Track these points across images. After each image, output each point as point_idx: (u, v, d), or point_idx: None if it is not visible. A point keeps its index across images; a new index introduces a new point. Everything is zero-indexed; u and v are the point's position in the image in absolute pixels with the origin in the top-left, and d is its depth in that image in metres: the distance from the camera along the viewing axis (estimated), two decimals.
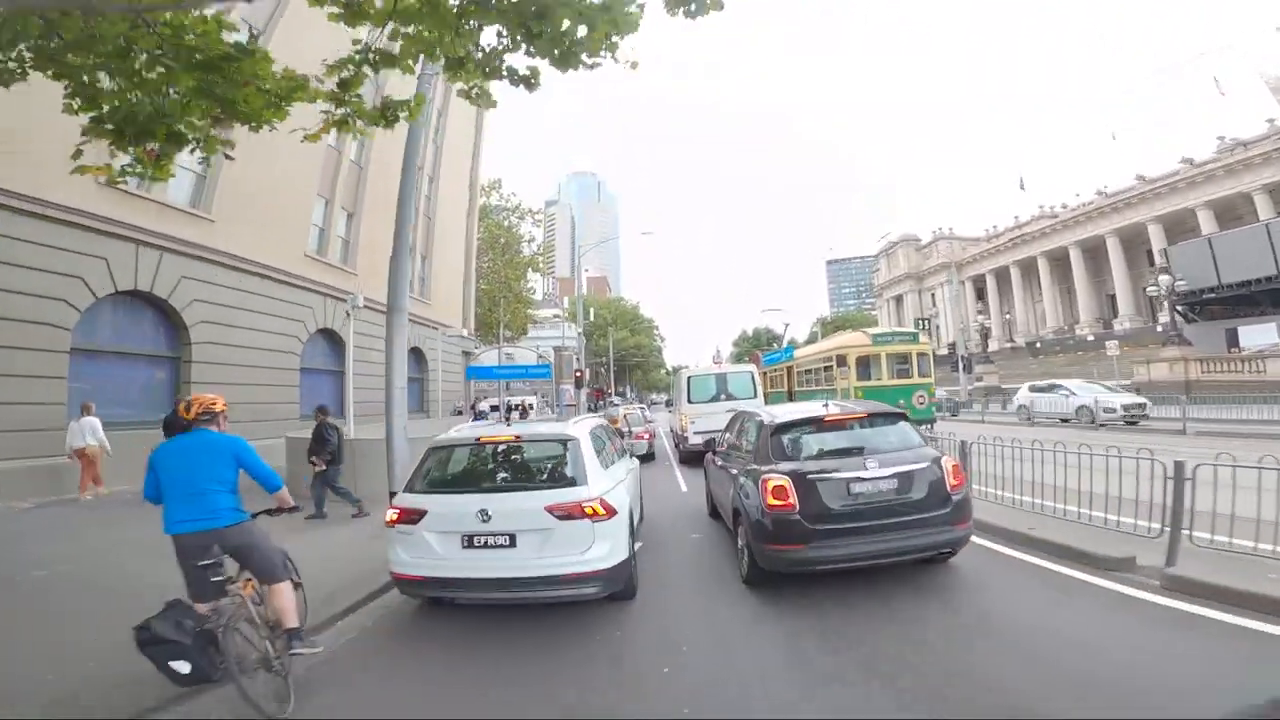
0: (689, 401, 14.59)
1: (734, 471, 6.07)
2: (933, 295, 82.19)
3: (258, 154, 16.95)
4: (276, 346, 16.77)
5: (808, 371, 19.33)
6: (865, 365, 15.96)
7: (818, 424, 5.47)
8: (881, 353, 15.79)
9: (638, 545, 6.90)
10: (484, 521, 4.57)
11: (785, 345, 25.98)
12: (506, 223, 39.46)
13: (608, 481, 5.08)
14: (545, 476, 5.14)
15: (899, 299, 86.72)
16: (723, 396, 14.48)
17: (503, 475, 5.26)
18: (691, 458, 14.72)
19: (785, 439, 5.41)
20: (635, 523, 6.44)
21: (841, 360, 16.16)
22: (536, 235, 40.22)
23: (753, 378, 14.79)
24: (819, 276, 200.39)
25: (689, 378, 15.03)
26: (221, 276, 15.12)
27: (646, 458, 16.52)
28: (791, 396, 21.02)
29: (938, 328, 72.17)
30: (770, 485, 4.93)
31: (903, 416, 5.57)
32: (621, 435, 12.99)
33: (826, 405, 5.77)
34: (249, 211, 16.23)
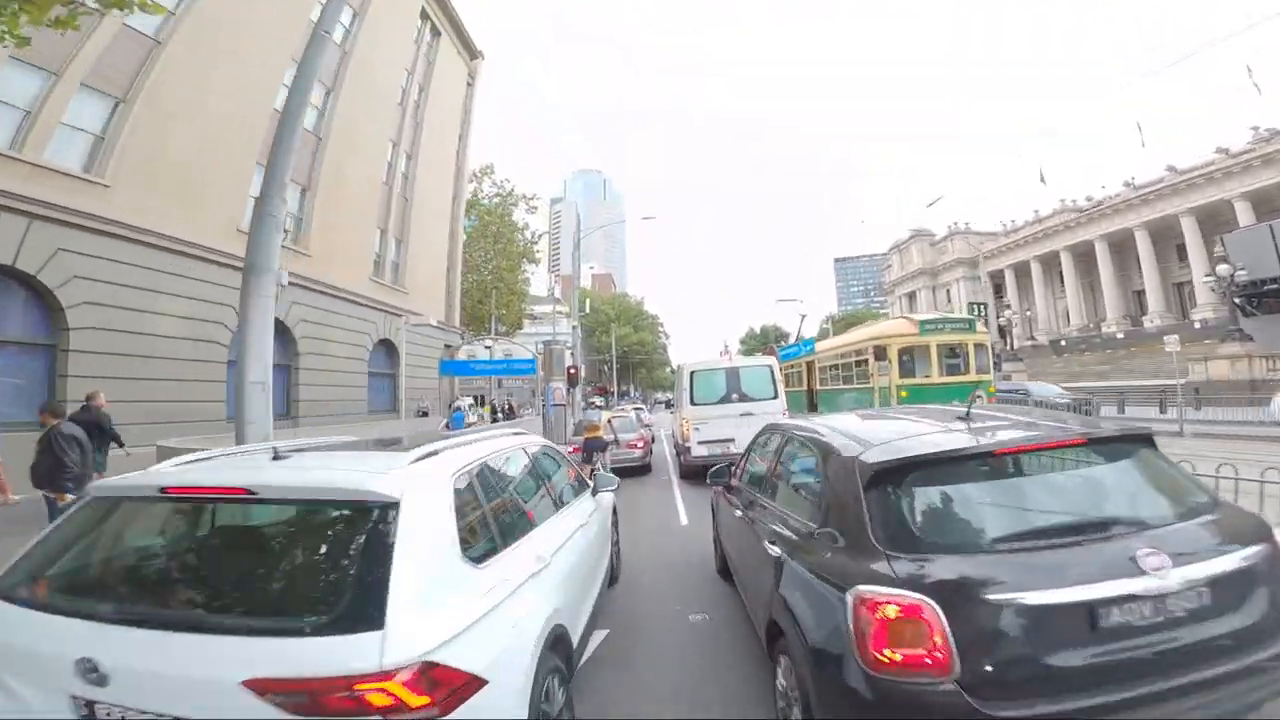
0: (691, 403, 11.76)
1: (770, 547, 3.18)
2: (948, 292, 79.59)
3: (181, 115, 14.41)
4: (193, 335, 13.96)
5: (833, 368, 16.37)
6: (909, 359, 13.04)
7: (979, 463, 2.47)
8: (930, 343, 12.84)
9: (599, 639, 4.07)
10: (95, 683, 1.85)
11: (800, 339, 22.85)
12: (500, 210, 36.61)
13: (480, 598, 2.23)
14: (289, 598, 2.07)
15: (912, 296, 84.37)
16: (734, 396, 11.59)
17: (184, 584, 2.24)
18: (696, 472, 11.87)
19: (902, 498, 2.41)
20: (587, 628, 3.65)
21: (880, 352, 13.20)
22: (531, 223, 37.44)
23: (772, 373, 11.93)
24: (827, 276, 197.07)
25: (691, 373, 12.09)
26: (116, 250, 12.34)
27: (641, 469, 13.68)
28: (812, 398, 18.09)
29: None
30: (883, 613, 2.09)
31: (1147, 442, 2.65)
32: (604, 447, 10.16)
33: (968, 416, 2.87)
34: (164, 179, 13.58)
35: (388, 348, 22.75)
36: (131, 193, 12.74)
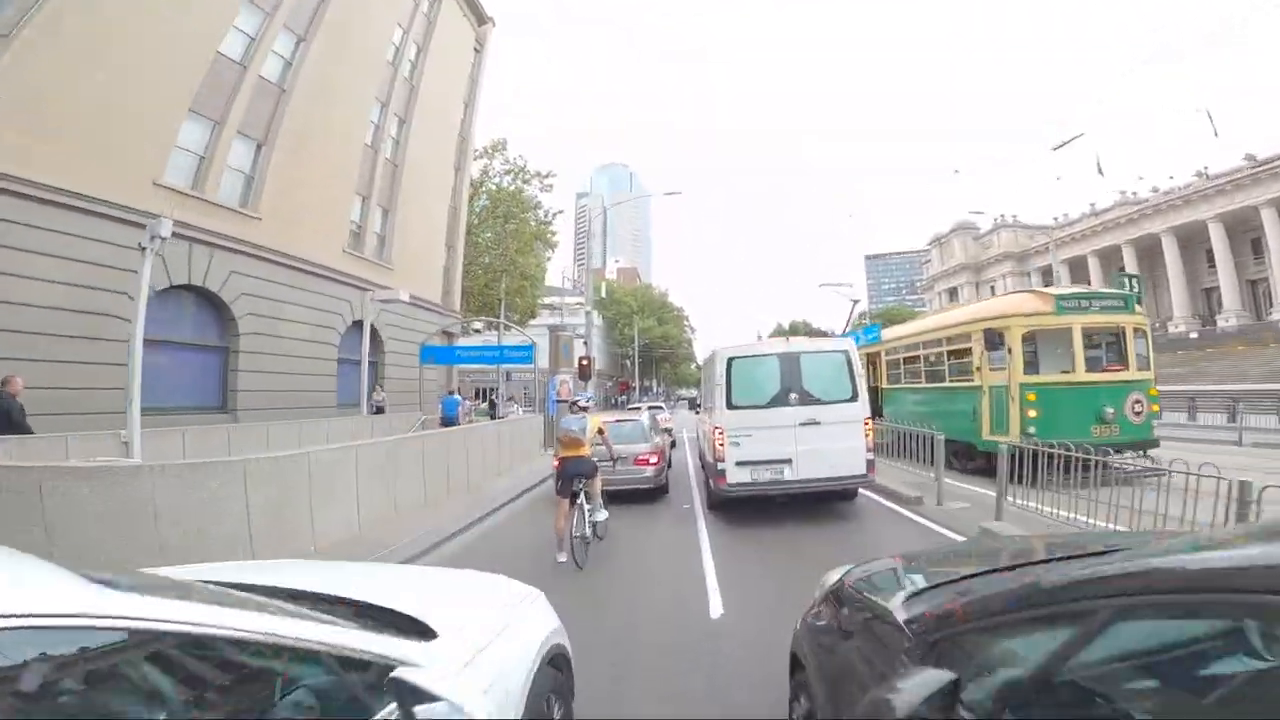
0: (729, 404, 8.18)
1: None
2: (991, 288, 75.39)
3: (96, 53, 11.59)
4: (87, 307, 10.96)
5: (911, 360, 12.63)
6: (1035, 347, 9.39)
7: None
8: (1071, 325, 9.09)
9: None
10: None
11: (852, 329, 18.88)
12: (513, 187, 33.39)
13: None
14: None
15: (953, 291, 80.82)
16: (793, 396, 7.95)
17: None
18: (730, 505, 8.43)
19: None
20: None
21: (994, 338, 9.48)
22: (545, 202, 34.04)
23: (848, 363, 8.22)
24: (856, 273, 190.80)
25: (730, 361, 8.31)
26: None
27: (654, 493, 10.26)
28: (877, 399, 14.40)
29: None
30: None
31: None
32: (592, 472, 6.86)
33: None
34: (65, 124, 10.86)
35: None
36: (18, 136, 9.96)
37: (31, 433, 8.65)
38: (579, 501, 6.56)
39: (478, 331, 22.10)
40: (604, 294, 45.59)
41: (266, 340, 14.86)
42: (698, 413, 15.56)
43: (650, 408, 23.31)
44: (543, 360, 22.58)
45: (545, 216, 34.00)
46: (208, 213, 13.59)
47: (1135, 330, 9.32)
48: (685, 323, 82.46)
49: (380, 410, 17.74)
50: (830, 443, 7.75)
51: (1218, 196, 51.66)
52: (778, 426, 7.86)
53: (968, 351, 10.28)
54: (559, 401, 19.75)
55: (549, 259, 40.54)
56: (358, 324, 18.75)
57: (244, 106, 14.89)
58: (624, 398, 63.95)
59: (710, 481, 8.71)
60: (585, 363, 22.62)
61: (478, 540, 7.93)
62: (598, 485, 6.91)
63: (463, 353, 16.84)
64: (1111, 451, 6.48)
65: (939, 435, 8.63)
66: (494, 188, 33.44)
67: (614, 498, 8.87)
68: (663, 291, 79.93)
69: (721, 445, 8.01)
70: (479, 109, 31.26)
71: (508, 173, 33.54)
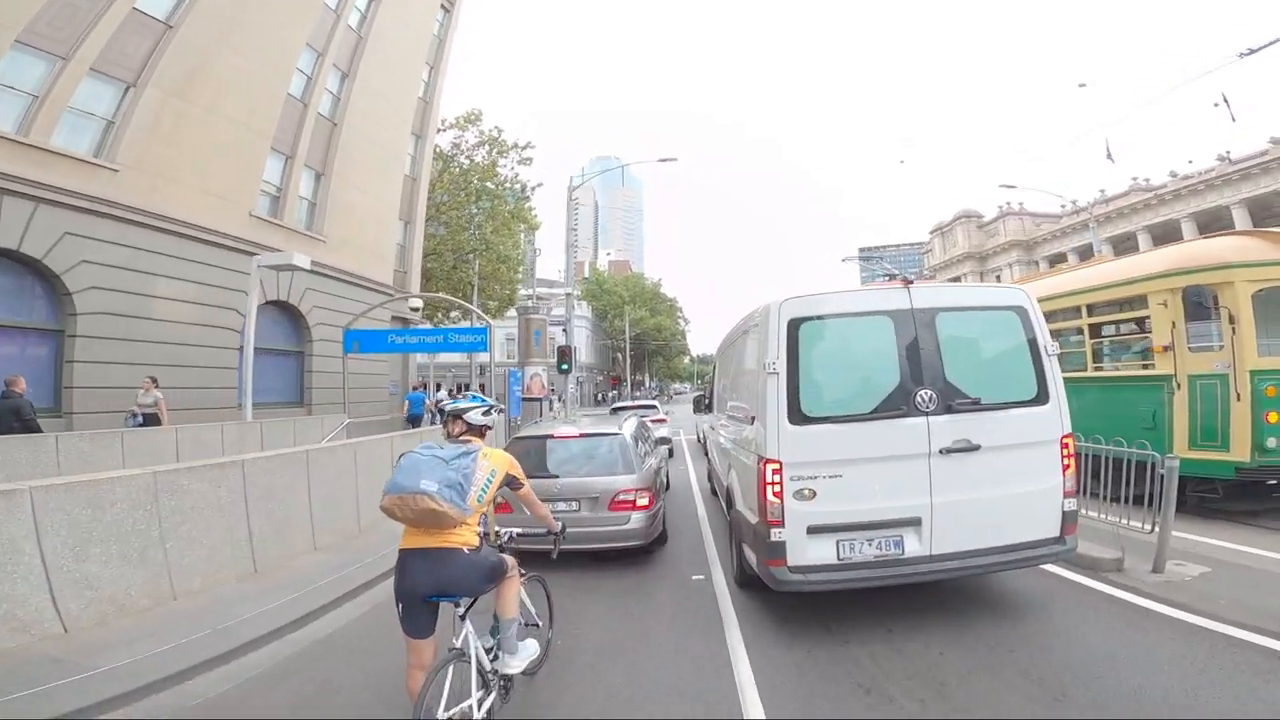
0: (795, 417, 4.26)
1: None
2: (997, 277, 73.08)
3: None
4: None
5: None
6: (1267, 310, 6.33)
7: None
8: None
9: None
10: None
11: None
12: (487, 161, 29.83)
13: None
14: None
15: (956, 281, 78.42)
16: (924, 399, 4.22)
17: None
18: (784, 604, 4.75)
19: None
20: None
21: (1201, 301, 6.34)
22: (523, 174, 30.42)
23: (1027, 328, 4.44)
24: (851, 266, 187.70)
25: (795, 326, 4.33)
26: None
27: (649, 547, 6.67)
28: None
29: None
30: None
31: None
32: (484, 580, 3.19)
33: None
34: None
35: (290, 314, 16.21)
36: None
37: (41, 431, 8.55)
38: (462, 642, 2.97)
39: (415, 310, 18.89)
40: (587, 275, 41.87)
41: (122, 323, 11.47)
42: (705, 413, 11.49)
43: (641, 408, 18.29)
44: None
45: (524, 192, 30.41)
46: (37, 160, 10.27)
47: None
48: (679, 314, 79.00)
49: (142, 422, 10.71)
50: (997, 485, 4.26)
51: (1242, 181, 50.52)
52: (894, 457, 4.25)
53: (1139, 323, 7.14)
54: (526, 400, 16.38)
55: (530, 244, 37.00)
56: (276, 304, 15.36)
57: (104, 41, 11.58)
58: (614, 392, 60.49)
59: (748, 554, 4.85)
60: (565, 351, 19.28)
61: (285, 665, 4.22)
62: (510, 598, 3.22)
63: (397, 338, 13.53)
64: None
65: (1170, 460, 5.06)
66: (466, 162, 29.90)
67: (573, 560, 5.58)
68: (655, 282, 76.36)
69: (778, 495, 4.22)
70: (446, 73, 27.90)
71: (480, 144, 30.00)
